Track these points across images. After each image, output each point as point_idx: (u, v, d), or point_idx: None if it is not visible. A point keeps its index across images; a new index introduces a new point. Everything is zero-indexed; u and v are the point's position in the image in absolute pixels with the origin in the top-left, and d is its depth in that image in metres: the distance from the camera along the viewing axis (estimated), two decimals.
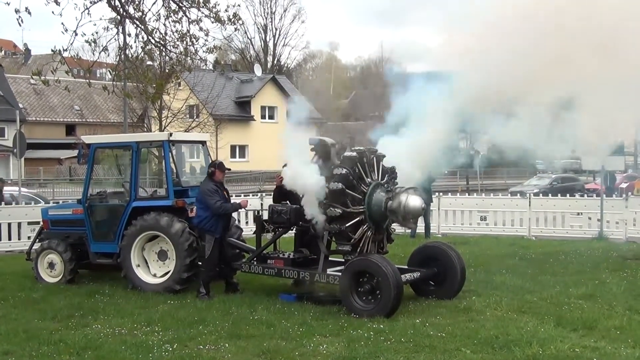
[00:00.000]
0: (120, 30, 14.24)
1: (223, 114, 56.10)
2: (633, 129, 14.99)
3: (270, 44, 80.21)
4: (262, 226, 12.46)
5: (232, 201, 12.59)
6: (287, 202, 12.12)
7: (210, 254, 11.85)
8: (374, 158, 11.23)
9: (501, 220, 21.31)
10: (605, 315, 10.23)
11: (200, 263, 12.10)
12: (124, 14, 13.88)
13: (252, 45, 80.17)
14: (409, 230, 19.45)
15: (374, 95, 51.81)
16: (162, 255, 12.68)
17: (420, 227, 20.19)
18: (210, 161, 12.41)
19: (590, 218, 20.41)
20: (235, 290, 12.22)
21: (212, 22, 14.08)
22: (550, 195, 23.32)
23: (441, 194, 22.99)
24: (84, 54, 17.05)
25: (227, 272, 12.43)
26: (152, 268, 12.78)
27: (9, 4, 12.24)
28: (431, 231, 20.65)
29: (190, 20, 14.02)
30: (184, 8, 13.97)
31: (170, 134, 13.23)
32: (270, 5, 77.70)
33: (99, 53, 14.11)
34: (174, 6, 14.00)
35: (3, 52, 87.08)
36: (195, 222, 11.94)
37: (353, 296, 10.50)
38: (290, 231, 12.50)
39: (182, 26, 14.09)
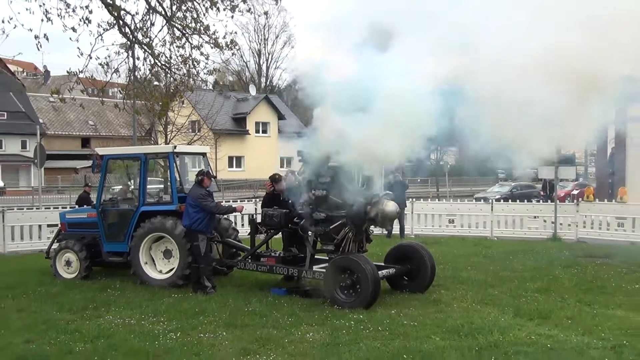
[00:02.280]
0: (130, 54, 14.20)
1: (221, 129, 56.15)
2: (584, 142, 15.05)
3: (264, 67, 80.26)
4: (255, 228, 12.49)
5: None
6: (276, 206, 12.16)
7: (205, 251, 11.87)
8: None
9: (467, 223, 21.40)
10: (558, 307, 10.30)
11: (195, 264, 11.95)
12: (134, 39, 13.87)
13: (248, 67, 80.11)
14: (386, 232, 19.53)
15: None
16: (167, 254, 12.67)
17: (396, 229, 20.26)
18: (199, 169, 12.39)
19: (545, 221, 20.55)
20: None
21: (212, 48, 14.07)
22: (510, 200, 23.36)
23: (414, 199, 23.04)
24: (98, 75, 17.01)
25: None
26: (158, 265, 12.76)
27: (31, 30, 12.23)
28: (405, 232, 20.69)
29: (192, 46, 14.01)
30: (187, 35, 13.96)
31: (175, 147, 13.21)
32: (264, 33, 77.75)
33: (111, 74, 14.05)
34: (178, 33, 13.99)
35: (25, 73, 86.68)
36: (186, 224, 11.83)
37: (336, 290, 10.50)
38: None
39: (185, 51, 14.07)
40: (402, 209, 18.59)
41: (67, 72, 14.09)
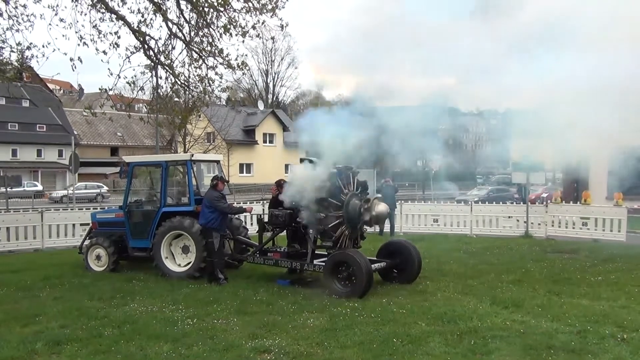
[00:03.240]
0: (154, 74, 14.21)
1: (233, 139, 56.18)
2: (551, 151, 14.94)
3: (271, 85, 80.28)
4: (263, 227, 12.45)
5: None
6: (281, 207, 12.13)
7: (219, 247, 11.84)
8: (350, 174, 11.24)
9: (449, 222, 21.33)
10: (530, 296, 10.25)
11: (209, 258, 11.90)
12: (157, 61, 13.87)
13: (256, 85, 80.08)
14: (378, 230, 19.48)
15: None
16: (185, 250, 12.64)
17: (387, 227, 20.22)
18: (214, 175, 12.37)
19: (518, 220, 20.50)
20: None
21: (225, 68, 14.05)
22: (487, 202, 23.31)
23: (403, 201, 23.00)
24: (125, 92, 16.97)
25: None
26: (177, 259, 12.72)
27: (66, 54, 12.27)
28: (395, 230, 20.64)
29: (208, 67, 14.00)
30: (203, 57, 13.97)
31: (192, 155, 13.19)
32: (271, 55, 77.83)
33: (137, 92, 14.04)
34: (195, 55, 14.02)
35: (62, 90, 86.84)
36: (202, 222, 11.82)
37: (334, 281, 10.48)
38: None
39: (202, 71, 14.08)
40: (392, 210, 18.57)
41: (99, 89, 14.13)
